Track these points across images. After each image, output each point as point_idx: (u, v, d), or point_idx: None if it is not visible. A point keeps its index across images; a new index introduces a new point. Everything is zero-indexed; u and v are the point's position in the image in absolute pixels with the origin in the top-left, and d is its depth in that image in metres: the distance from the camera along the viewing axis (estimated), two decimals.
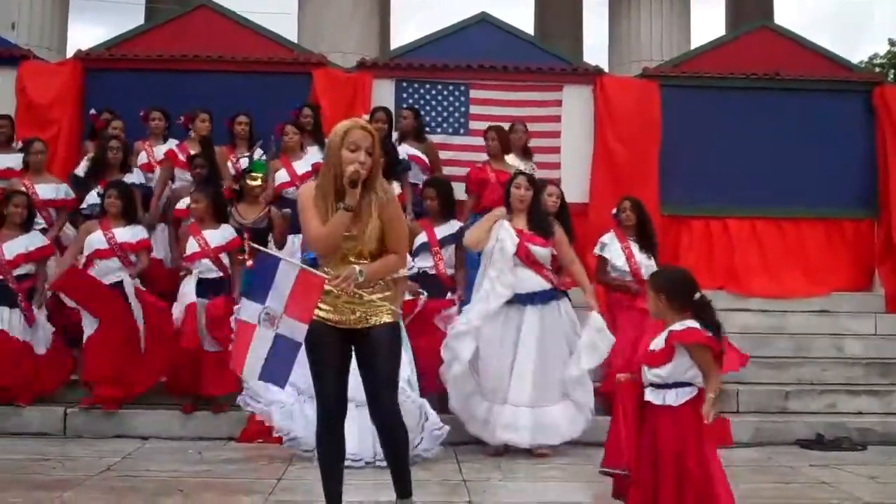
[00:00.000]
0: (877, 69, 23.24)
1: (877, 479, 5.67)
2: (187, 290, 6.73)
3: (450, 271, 6.97)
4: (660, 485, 3.85)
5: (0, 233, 7.00)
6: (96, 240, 6.89)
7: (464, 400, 6.21)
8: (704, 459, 3.82)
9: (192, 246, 6.87)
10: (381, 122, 7.95)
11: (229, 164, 8.06)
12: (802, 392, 7.35)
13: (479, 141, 8.33)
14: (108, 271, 6.84)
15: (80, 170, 8.08)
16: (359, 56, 10.57)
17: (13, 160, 7.95)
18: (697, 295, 3.95)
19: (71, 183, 8.00)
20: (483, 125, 8.44)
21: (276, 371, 3.87)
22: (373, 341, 3.94)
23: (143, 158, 8.19)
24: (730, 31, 15.11)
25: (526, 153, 8.26)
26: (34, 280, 7.01)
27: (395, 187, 7.08)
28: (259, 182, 7.32)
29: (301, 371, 4.24)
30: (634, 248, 7.03)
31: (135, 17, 19.59)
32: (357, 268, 3.84)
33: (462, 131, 9.13)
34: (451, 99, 9.18)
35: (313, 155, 7.86)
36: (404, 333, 5.92)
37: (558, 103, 9.21)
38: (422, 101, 9.09)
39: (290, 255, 6.54)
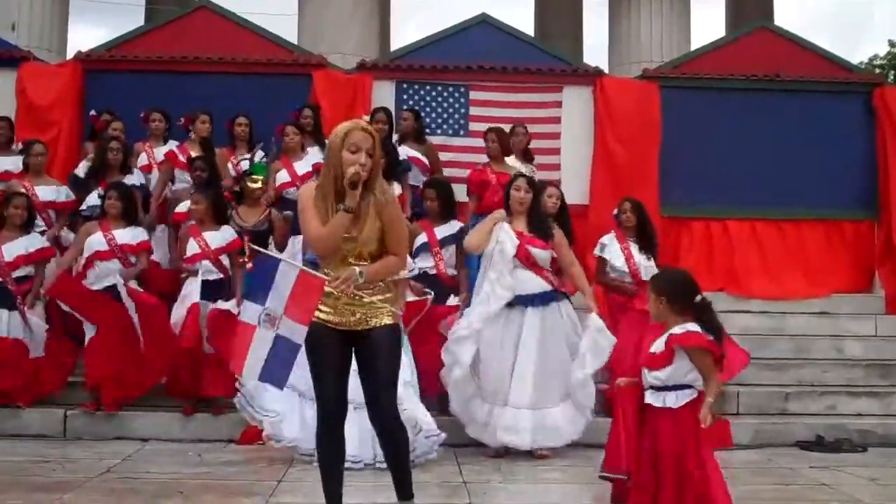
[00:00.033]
0: (877, 70, 23.24)
1: (877, 481, 5.67)
2: (191, 291, 6.73)
3: (450, 271, 6.98)
4: (660, 487, 3.85)
5: (0, 234, 6.99)
6: (96, 241, 6.89)
7: (464, 403, 6.20)
8: (702, 462, 3.82)
9: (192, 247, 6.88)
10: (382, 122, 7.96)
11: (229, 165, 8.07)
12: (802, 394, 7.35)
13: (479, 142, 8.33)
14: (109, 273, 6.82)
15: (80, 170, 8.09)
16: (359, 57, 10.57)
17: (13, 162, 7.95)
18: (698, 297, 3.95)
19: (70, 183, 8.00)
20: (483, 126, 8.44)
21: (275, 372, 3.88)
22: (373, 343, 3.94)
23: (143, 160, 8.19)
24: (730, 32, 15.14)
25: (526, 156, 8.26)
26: (32, 282, 7.01)
27: (396, 188, 7.10)
28: (259, 184, 7.34)
29: (301, 373, 4.25)
30: (634, 248, 7.03)
31: (135, 19, 19.66)
32: (357, 269, 3.83)
33: (462, 133, 9.13)
34: (451, 100, 9.18)
35: (314, 155, 7.86)
36: (404, 336, 5.97)
37: (558, 104, 9.21)
38: (422, 103, 9.09)
39: (291, 257, 6.56)
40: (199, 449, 6.26)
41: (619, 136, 9.05)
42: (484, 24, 9.51)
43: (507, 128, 8.19)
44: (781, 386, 7.45)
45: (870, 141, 9.18)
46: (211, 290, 6.77)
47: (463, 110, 9.17)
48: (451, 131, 9.14)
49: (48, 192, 7.68)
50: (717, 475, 3.86)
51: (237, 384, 6.01)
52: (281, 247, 7.16)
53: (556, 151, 9.10)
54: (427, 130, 8.78)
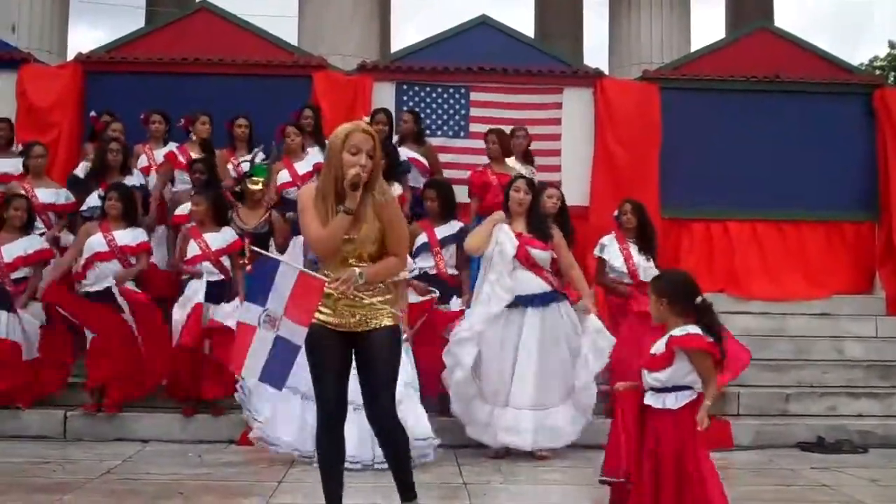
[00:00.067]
0: (877, 71, 23.26)
1: (878, 482, 5.67)
2: (195, 291, 6.71)
3: (450, 271, 6.98)
4: (660, 488, 3.85)
5: (0, 235, 6.99)
6: (97, 242, 6.88)
7: (465, 404, 6.21)
8: (698, 462, 3.82)
9: (192, 249, 6.88)
10: (382, 123, 7.98)
11: (230, 166, 8.08)
12: (803, 395, 7.34)
13: (480, 144, 8.34)
14: (108, 274, 6.82)
15: (80, 170, 8.09)
16: (359, 58, 10.58)
17: (13, 164, 7.95)
18: (699, 299, 3.95)
19: (69, 184, 8.01)
20: (483, 128, 8.46)
21: (275, 373, 3.88)
22: (372, 345, 3.94)
23: (143, 161, 8.19)
24: (730, 33, 15.15)
25: (527, 158, 8.26)
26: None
27: (397, 188, 7.11)
28: (260, 186, 7.34)
29: (303, 375, 4.24)
30: (634, 249, 7.04)
31: (135, 20, 19.66)
32: (357, 270, 3.83)
33: (462, 134, 9.13)
34: (451, 102, 9.18)
35: (314, 156, 7.87)
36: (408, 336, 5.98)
37: (558, 106, 9.21)
38: (422, 104, 9.09)
39: (292, 258, 6.57)
40: (200, 450, 6.26)
41: (619, 138, 9.05)
42: (484, 25, 9.52)
43: (507, 129, 8.20)
44: (782, 387, 7.44)
45: (870, 142, 9.18)
46: (212, 291, 6.76)
47: (463, 112, 9.17)
48: (451, 133, 9.14)
49: (48, 194, 7.68)
50: (713, 475, 3.86)
51: (238, 380, 6.01)
52: (282, 248, 7.16)
53: (557, 153, 9.10)
54: (427, 132, 8.79)
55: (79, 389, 6.83)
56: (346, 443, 4.07)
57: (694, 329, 3.88)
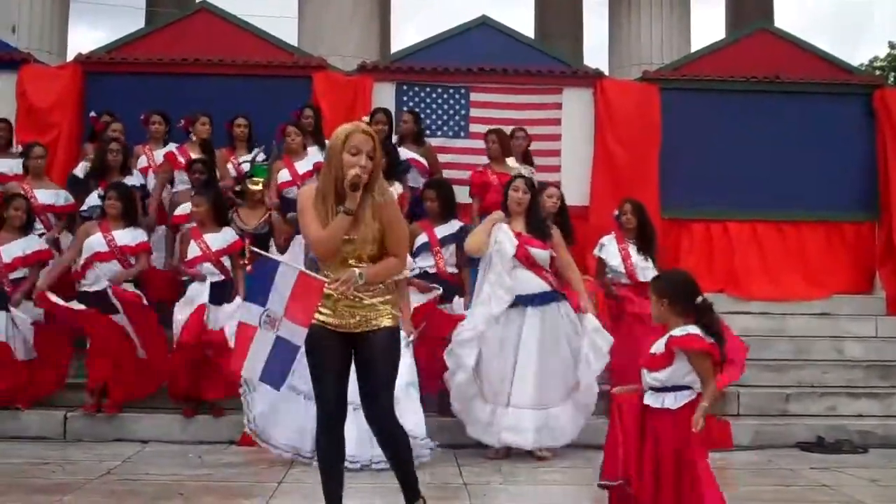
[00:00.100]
0: (877, 72, 23.26)
1: (878, 482, 5.67)
2: (199, 292, 6.70)
3: (450, 269, 6.98)
4: (660, 488, 3.85)
5: None
6: (96, 242, 6.86)
7: (466, 404, 6.21)
8: (693, 462, 3.82)
9: (193, 250, 6.87)
10: (382, 123, 7.98)
11: (230, 165, 8.08)
12: (803, 395, 7.34)
13: (480, 144, 8.35)
14: (108, 274, 6.81)
15: (79, 170, 8.09)
16: (359, 59, 10.58)
17: (11, 164, 7.95)
18: (699, 299, 3.94)
19: (69, 184, 8.00)
20: (483, 128, 8.47)
21: (275, 373, 3.89)
22: (371, 346, 3.94)
23: (143, 162, 8.18)
24: (730, 33, 15.14)
25: (527, 159, 8.26)
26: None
27: (398, 187, 7.11)
28: (260, 186, 7.34)
29: (307, 374, 4.23)
30: (632, 250, 7.05)
31: (135, 21, 19.67)
32: (357, 271, 3.84)
33: (462, 134, 9.13)
34: (451, 102, 9.18)
35: (314, 155, 7.86)
36: (411, 337, 5.98)
37: (558, 106, 9.22)
38: (422, 105, 9.10)
39: (293, 257, 6.57)
40: (200, 450, 6.26)
41: (619, 138, 9.06)
42: (484, 26, 9.52)
43: (507, 130, 8.20)
44: (782, 387, 7.45)
45: (870, 142, 9.18)
46: (213, 292, 6.74)
47: (463, 112, 9.18)
48: (451, 133, 9.14)
49: (47, 195, 7.68)
50: (709, 476, 3.85)
51: (241, 385, 6.01)
52: (283, 249, 7.16)
53: (557, 153, 9.10)
54: (427, 132, 8.79)
55: (79, 390, 6.82)
56: (345, 443, 4.07)
57: (694, 329, 3.87)
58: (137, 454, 6.16)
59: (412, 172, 7.99)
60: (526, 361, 6.14)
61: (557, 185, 7.57)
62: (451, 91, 9.20)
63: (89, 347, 6.74)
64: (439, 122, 9.14)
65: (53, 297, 6.62)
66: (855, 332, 8.33)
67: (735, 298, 8.65)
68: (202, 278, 6.77)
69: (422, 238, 6.93)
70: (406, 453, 4.10)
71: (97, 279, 6.81)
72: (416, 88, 9.21)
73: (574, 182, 8.73)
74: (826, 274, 8.94)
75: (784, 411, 7.21)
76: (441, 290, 6.66)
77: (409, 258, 5.95)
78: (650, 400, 3.92)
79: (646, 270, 6.83)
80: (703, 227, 9.10)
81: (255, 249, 4.75)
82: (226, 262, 6.90)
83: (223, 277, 6.86)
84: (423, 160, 8.19)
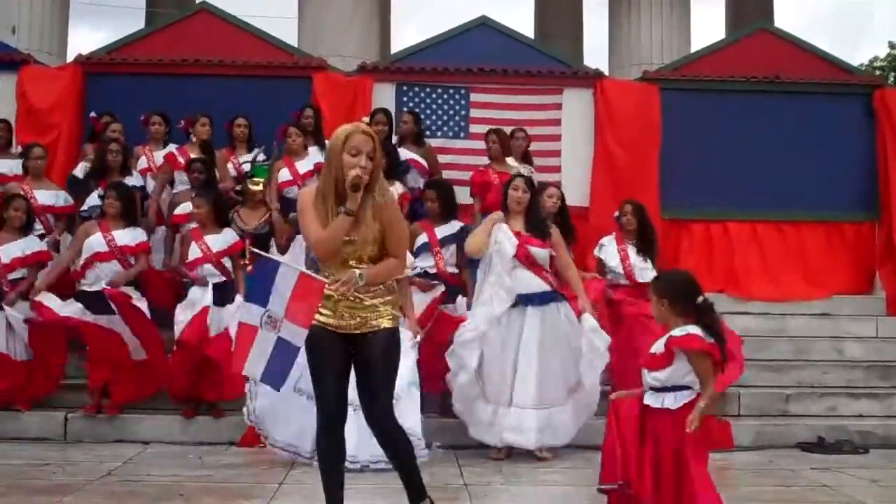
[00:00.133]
0: (877, 72, 23.26)
1: (878, 483, 5.66)
2: (202, 295, 6.69)
3: (451, 269, 6.98)
4: (660, 487, 3.85)
5: None
6: (96, 242, 6.85)
7: (468, 404, 6.21)
8: (688, 462, 3.81)
9: (193, 251, 6.86)
10: (381, 123, 7.98)
11: (230, 165, 8.08)
12: (803, 395, 7.34)
13: (480, 144, 8.35)
14: (108, 274, 6.81)
15: (79, 171, 8.08)
16: (359, 59, 10.59)
17: (11, 165, 7.95)
18: (700, 299, 3.94)
19: (68, 184, 7.99)
20: (483, 129, 8.47)
21: (276, 374, 3.89)
22: (371, 347, 3.94)
23: (142, 163, 8.18)
24: (730, 33, 15.15)
25: (526, 159, 8.26)
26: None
27: (398, 187, 7.11)
28: (260, 187, 7.34)
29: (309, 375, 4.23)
30: (632, 250, 7.06)
31: (135, 22, 19.65)
32: (357, 272, 3.83)
33: (462, 135, 9.13)
34: (451, 102, 9.18)
35: (314, 156, 7.87)
36: (417, 338, 5.98)
37: (558, 107, 9.21)
38: (422, 105, 9.09)
39: (294, 257, 6.57)
40: (200, 451, 6.26)
41: (619, 139, 9.05)
42: (484, 26, 9.52)
43: (507, 130, 8.20)
44: (782, 387, 7.45)
45: (870, 143, 9.18)
46: (215, 293, 6.73)
47: (463, 112, 9.17)
48: (451, 133, 9.14)
49: (47, 196, 7.68)
50: (705, 476, 3.84)
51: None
52: (283, 249, 7.16)
53: (557, 153, 9.10)
54: (427, 133, 8.80)
55: (79, 391, 6.82)
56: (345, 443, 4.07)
57: (694, 329, 3.87)
58: (138, 455, 6.16)
59: (412, 173, 7.99)
60: (527, 361, 6.15)
61: (558, 185, 7.57)
62: (451, 91, 9.20)
63: (88, 350, 6.73)
64: (439, 123, 9.14)
65: (48, 303, 6.62)
66: (855, 332, 8.33)
67: (735, 299, 8.65)
68: (203, 283, 6.77)
69: (422, 238, 6.94)
70: (407, 453, 4.10)
71: (97, 279, 6.80)
72: (416, 89, 9.21)
73: (574, 182, 8.72)
74: (826, 274, 8.94)
75: (784, 412, 7.21)
76: (444, 287, 6.66)
77: (409, 256, 5.96)
78: (650, 400, 3.92)
79: (644, 271, 6.84)
80: (703, 227, 9.10)
81: (256, 250, 4.74)
82: (227, 263, 6.89)
83: (224, 279, 6.85)
84: (422, 161, 8.19)
